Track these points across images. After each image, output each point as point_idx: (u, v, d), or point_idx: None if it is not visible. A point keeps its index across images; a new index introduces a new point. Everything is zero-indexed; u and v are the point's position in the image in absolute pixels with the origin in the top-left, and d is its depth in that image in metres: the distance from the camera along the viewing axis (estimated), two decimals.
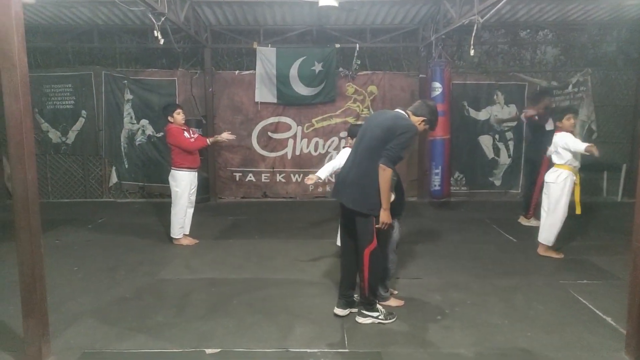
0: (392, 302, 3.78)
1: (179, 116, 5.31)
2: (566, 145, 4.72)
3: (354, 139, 4.64)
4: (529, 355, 3.04)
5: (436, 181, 7.10)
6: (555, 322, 3.52)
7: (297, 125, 8.08)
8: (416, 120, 3.44)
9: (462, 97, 7.99)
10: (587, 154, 4.56)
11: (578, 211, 4.84)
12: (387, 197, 3.26)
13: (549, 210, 4.88)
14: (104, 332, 3.38)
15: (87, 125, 8.05)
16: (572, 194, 4.86)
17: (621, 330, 3.25)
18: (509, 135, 8.08)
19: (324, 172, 4.62)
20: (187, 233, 5.58)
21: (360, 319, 3.49)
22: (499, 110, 8.02)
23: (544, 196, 5.00)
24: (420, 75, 7.84)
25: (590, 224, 6.34)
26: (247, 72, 7.97)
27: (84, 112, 8.02)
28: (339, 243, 4.46)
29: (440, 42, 7.20)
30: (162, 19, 5.33)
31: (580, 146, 4.60)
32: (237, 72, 8.01)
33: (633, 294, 2.96)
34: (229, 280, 4.40)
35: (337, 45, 7.73)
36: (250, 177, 8.18)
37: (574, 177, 4.80)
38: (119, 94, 7.95)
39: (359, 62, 7.75)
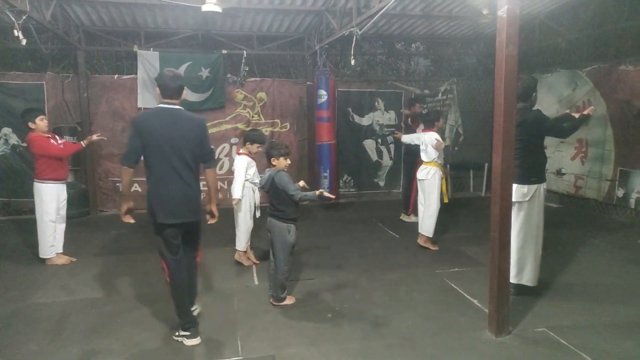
0: (288, 301, 3.94)
1: (42, 122, 4.82)
2: (433, 142, 5.30)
3: (254, 144, 4.71)
4: (410, 342, 3.32)
5: (325, 184, 7.38)
6: (432, 308, 3.88)
7: None
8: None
9: (347, 103, 8.42)
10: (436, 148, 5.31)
11: (446, 200, 5.47)
12: (217, 193, 3.39)
13: (425, 204, 5.39)
14: None
15: None
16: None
17: (485, 310, 3.68)
18: (390, 139, 8.69)
19: (240, 190, 4.66)
20: (61, 251, 5.10)
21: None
22: (380, 116, 8.59)
23: (419, 192, 5.52)
24: (308, 83, 8.09)
25: (461, 217, 7.09)
26: (128, 76, 7.53)
27: None
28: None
29: (325, 51, 7.51)
30: (24, 17, 4.82)
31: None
32: (116, 76, 7.53)
33: (492, 277, 3.39)
34: (111, 300, 4.12)
35: (224, 51, 7.65)
36: (136, 187, 7.71)
37: (441, 173, 5.38)
38: None
39: (247, 69, 7.76)
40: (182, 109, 3.29)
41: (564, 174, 7.59)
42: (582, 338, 3.28)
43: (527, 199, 3.91)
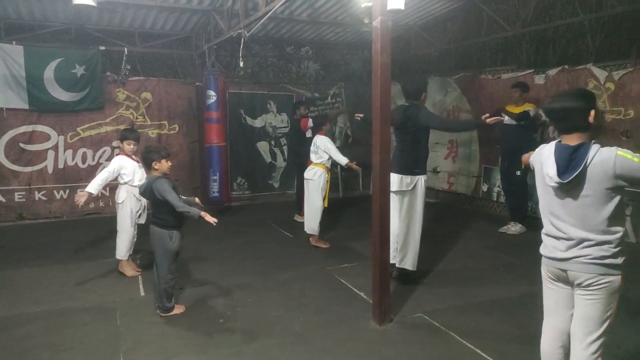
0: (176, 310, 3.78)
1: None
2: (327, 149, 5.46)
3: (125, 141, 4.47)
4: (301, 338, 3.41)
5: (214, 188, 7.23)
6: (323, 304, 4.03)
7: (58, 135, 7.13)
8: None
9: (239, 105, 8.35)
10: (346, 167, 5.49)
11: (325, 204, 5.59)
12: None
13: (309, 204, 5.57)
14: None
15: None
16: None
17: (370, 302, 3.92)
18: (283, 140, 8.81)
19: (95, 186, 4.29)
20: None
21: None
22: (273, 118, 8.67)
23: (305, 191, 5.68)
24: (197, 83, 7.86)
25: (350, 215, 7.44)
26: None
27: None
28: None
29: (214, 52, 7.37)
30: None
31: (342, 160, 5.43)
32: None
33: (374, 270, 3.62)
34: None
35: (102, 48, 7.12)
36: None
37: (327, 175, 5.57)
38: None
39: (128, 67, 7.31)
40: None
41: (439, 172, 8.35)
42: (451, 319, 3.65)
43: (410, 188, 4.26)
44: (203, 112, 7.48)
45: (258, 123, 8.60)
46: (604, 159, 2.07)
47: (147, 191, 3.64)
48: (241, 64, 6.06)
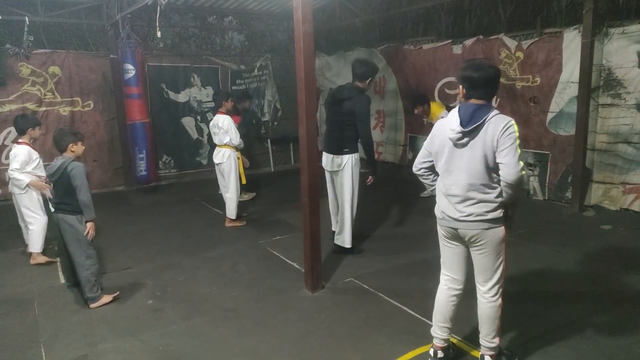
0: (106, 298, 3.56)
1: None
2: (228, 128, 5.21)
3: (36, 127, 4.13)
4: (234, 313, 3.40)
5: (142, 166, 6.90)
6: (256, 277, 4.04)
7: None
8: None
9: (160, 79, 7.92)
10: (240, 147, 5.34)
11: (244, 181, 5.51)
12: None
13: (226, 187, 5.41)
14: None
15: None
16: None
17: (302, 271, 3.99)
18: (209, 116, 8.52)
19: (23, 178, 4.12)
20: None
21: None
22: (198, 92, 8.34)
23: (218, 176, 5.50)
24: (112, 56, 7.32)
25: (282, 188, 7.44)
26: None
27: None
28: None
29: (128, 22, 6.86)
30: None
31: (237, 141, 5.24)
32: None
33: (305, 239, 3.67)
34: None
35: None
36: None
37: (236, 154, 5.39)
38: None
39: (31, 39, 6.62)
40: None
41: None
42: (380, 281, 3.82)
43: (341, 168, 4.30)
44: (121, 87, 7.03)
45: (182, 98, 8.23)
46: (499, 120, 2.32)
47: (58, 173, 3.38)
48: (159, 34, 5.67)
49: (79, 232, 3.43)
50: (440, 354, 2.69)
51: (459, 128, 2.35)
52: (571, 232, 4.88)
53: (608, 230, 4.91)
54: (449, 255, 2.62)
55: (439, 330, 2.67)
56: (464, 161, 2.39)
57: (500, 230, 2.43)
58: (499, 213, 2.40)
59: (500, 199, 2.39)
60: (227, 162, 5.29)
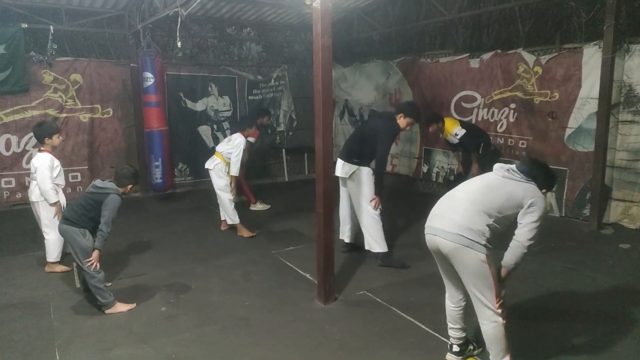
0: (122, 307, 3.55)
1: None
2: (238, 152, 5.37)
3: (58, 134, 4.20)
4: (246, 321, 3.41)
5: (157, 174, 6.99)
6: (268, 287, 4.04)
7: None
8: None
9: (178, 88, 8.04)
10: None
11: (234, 195, 5.50)
12: None
13: (219, 193, 5.46)
14: None
15: None
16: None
17: (315, 282, 3.98)
18: (226, 125, 8.61)
19: (54, 194, 4.14)
20: None
21: None
22: (215, 102, 8.44)
23: (213, 181, 5.54)
24: (131, 64, 7.48)
25: (296, 198, 7.45)
26: None
27: None
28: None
29: (149, 31, 7.02)
30: None
31: (234, 171, 5.35)
32: None
33: (319, 250, 3.66)
34: None
35: (24, 25, 6.58)
36: None
37: (224, 165, 5.43)
38: None
39: (55, 47, 6.81)
40: None
41: None
42: (392, 294, 3.79)
43: (348, 176, 4.40)
44: (140, 96, 7.16)
45: (199, 106, 8.33)
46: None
47: (97, 191, 3.47)
48: (179, 44, 5.81)
49: (81, 243, 3.43)
50: (455, 348, 2.79)
51: None
52: (588, 250, 4.80)
53: (627, 249, 4.81)
54: (441, 270, 2.72)
55: (452, 331, 2.79)
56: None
57: (481, 255, 2.39)
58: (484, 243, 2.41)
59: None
60: (216, 170, 5.41)
